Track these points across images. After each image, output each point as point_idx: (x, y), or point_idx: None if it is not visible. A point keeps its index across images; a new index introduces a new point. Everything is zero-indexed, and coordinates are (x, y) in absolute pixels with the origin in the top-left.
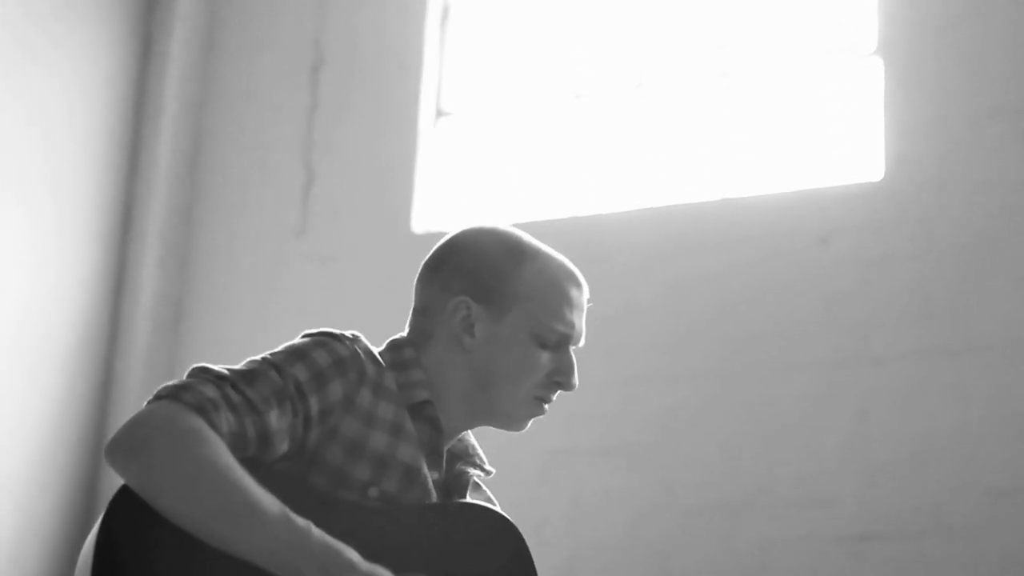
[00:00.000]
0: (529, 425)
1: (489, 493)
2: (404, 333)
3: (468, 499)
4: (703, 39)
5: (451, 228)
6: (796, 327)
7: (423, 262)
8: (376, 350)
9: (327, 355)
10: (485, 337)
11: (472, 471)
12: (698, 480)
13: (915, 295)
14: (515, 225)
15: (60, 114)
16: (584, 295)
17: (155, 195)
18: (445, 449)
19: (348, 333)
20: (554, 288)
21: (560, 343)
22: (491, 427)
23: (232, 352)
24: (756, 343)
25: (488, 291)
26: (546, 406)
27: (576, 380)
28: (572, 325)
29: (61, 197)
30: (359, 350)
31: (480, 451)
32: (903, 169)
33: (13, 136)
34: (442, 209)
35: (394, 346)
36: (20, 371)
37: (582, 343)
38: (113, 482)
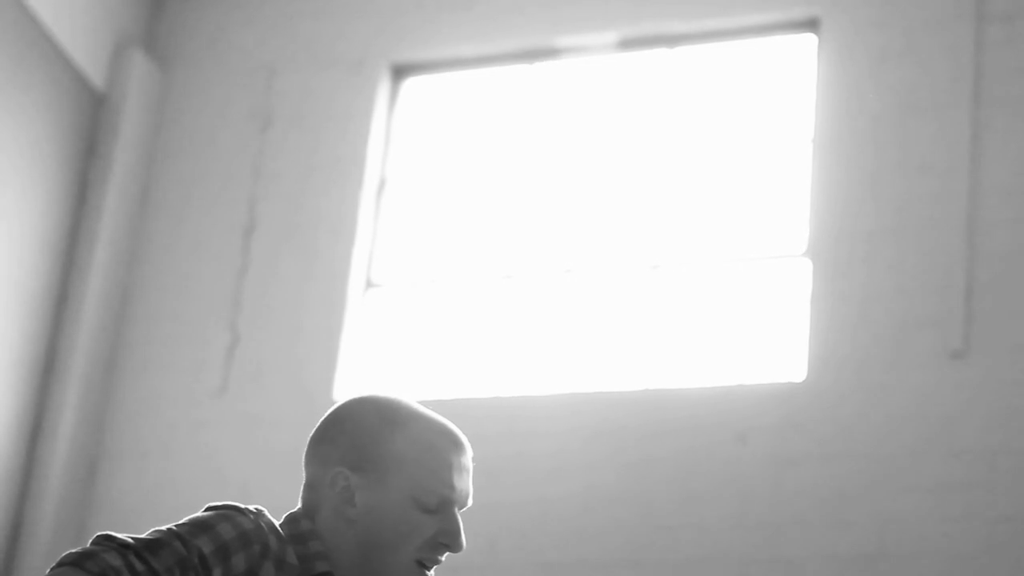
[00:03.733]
0: None
1: None
2: (299, 506)
3: None
4: (636, 230)
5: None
6: (710, 521)
7: (310, 436)
8: (276, 523)
9: (231, 528)
10: (366, 506)
11: None
12: None
13: (830, 498)
14: (435, 402)
15: None
16: (466, 455)
17: (79, 345)
18: None
19: (252, 507)
20: (431, 451)
21: (442, 506)
22: None
23: (144, 508)
24: (671, 534)
25: (364, 460)
26: (430, 570)
27: (463, 541)
28: (452, 487)
29: None
30: (263, 524)
31: None
32: (825, 371)
33: None
34: (365, 378)
35: (291, 519)
36: None
37: (469, 503)
38: None
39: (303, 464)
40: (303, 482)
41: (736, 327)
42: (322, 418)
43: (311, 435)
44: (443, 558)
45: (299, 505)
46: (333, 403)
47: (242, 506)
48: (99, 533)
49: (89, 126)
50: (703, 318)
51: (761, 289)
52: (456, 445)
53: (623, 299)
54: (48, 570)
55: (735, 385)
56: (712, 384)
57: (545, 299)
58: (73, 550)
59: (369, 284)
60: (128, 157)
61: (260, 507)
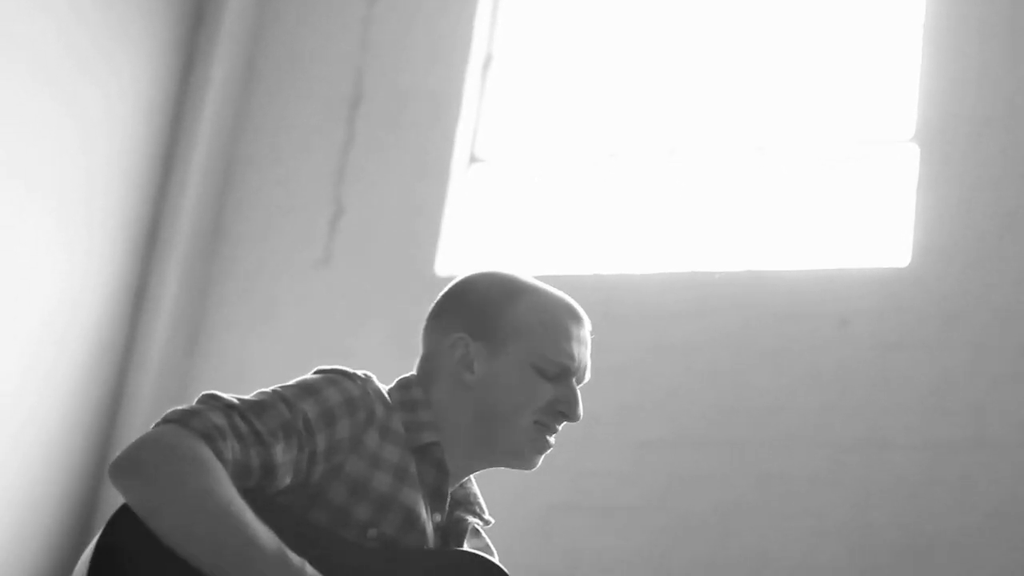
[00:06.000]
0: (539, 462)
1: (488, 541)
2: (413, 373)
3: (465, 546)
4: (742, 112)
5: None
6: (808, 404)
7: (429, 311)
8: (385, 389)
9: (338, 393)
10: (485, 373)
11: (471, 519)
12: (695, 548)
13: (930, 385)
14: (537, 278)
15: (100, 125)
16: (584, 328)
17: (184, 214)
18: (449, 492)
19: (360, 373)
20: (551, 320)
21: (561, 375)
22: (495, 471)
23: (246, 377)
24: (766, 416)
25: (485, 328)
26: (551, 438)
27: (581, 410)
28: (572, 356)
29: (94, 207)
30: (369, 390)
31: (481, 500)
32: (929, 257)
33: (55, 142)
34: (467, 254)
35: (403, 385)
36: (37, 376)
37: (587, 378)
38: (113, 498)
39: (421, 337)
40: (420, 355)
41: (841, 211)
42: (441, 293)
43: (431, 309)
44: (560, 428)
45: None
46: (434, 277)
47: (350, 371)
48: (205, 392)
49: None
50: (807, 201)
51: (867, 174)
52: (576, 317)
53: (727, 181)
54: (152, 425)
55: (838, 269)
56: (815, 267)
57: (649, 179)
58: (178, 407)
59: (473, 159)
60: (235, 27)
61: (368, 373)
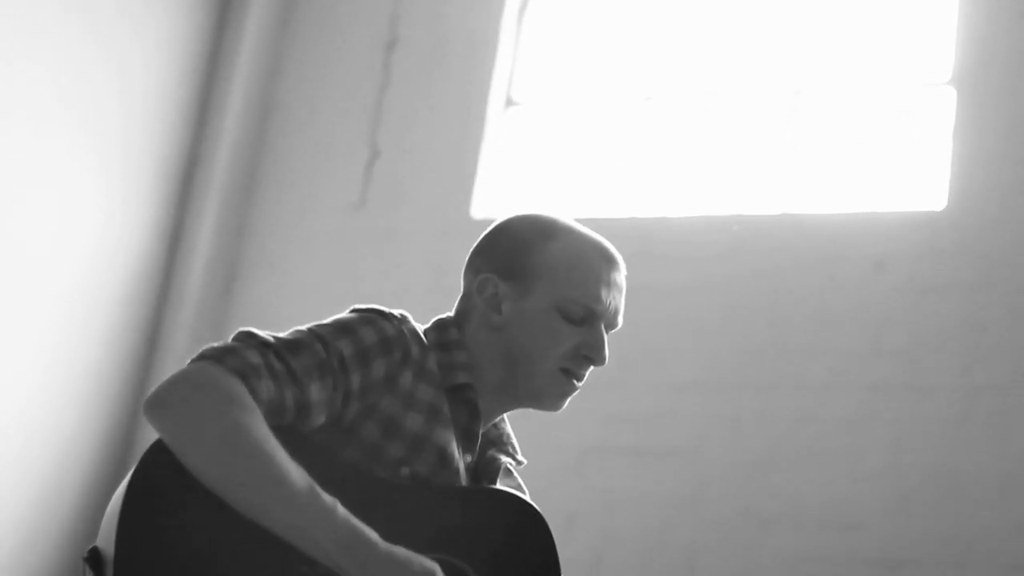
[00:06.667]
0: (566, 404)
1: (520, 481)
2: (452, 313)
3: (498, 485)
4: (779, 55)
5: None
6: (843, 348)
7: (470, 250)
8: (422, 329)
9: (374, 333)
10: (512, 313)
11: (504, 458)
12: (730, 490)
13: (966, 328)
14: (573, 220)
15: (139, 68)
16: (618, 272)
17: (220, 157)
18: (481, 432)
19: (396, 312)
20: (581, 262)
21: (588, 318)
22: (530, 411)
23: (281, 318)
24: (802, 360)
25: (513, 268)
26: (577, 382)
27: (606, 355)
28: (599, 300)
29: (131, 147)
30: (405, 330)
31: (514, 440)
32: (966, 201)
33: (95, 84)
34: (503, 197)
35: (440, 326)
36: (78, 315)
37: (619, 323)
38: (149, 435)
39: (461, 276)
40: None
41: (877, 155)
42: (482, 235)
43: (472, 249)
44: (587, 373)
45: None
46: (470, 220)
47: (386, 310)
48: (241, 329)
49: None
50: (844, 144)
51: (904, 117)
52: (608, 260)
53: (764, 123)
54: (188, 361)
55: (874, 212)
56: (851, 210)
57: (685, 121)
58: (214, 344)
59: (509, 102)
60: None
61: (405, 312)
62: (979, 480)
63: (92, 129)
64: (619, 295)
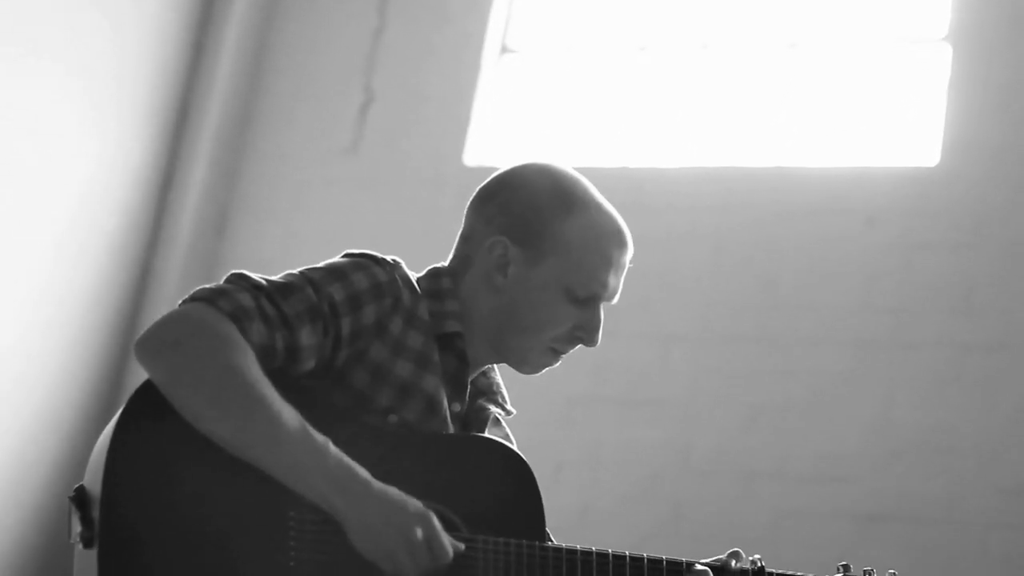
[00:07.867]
0: (542, 372)
1: (508, 431)
2: (446, 262)
3: (486, 434)
4: (775, 7)
5: (502, 164)
6: (833, 303)
7: (477, 189)
8: (415, 276)
9: (365, 278)
10: (516, 280)
11: (493, 408)
12: (718, 443)
13: (956, 285)
14: (591, 187)
15: (131, 9)
16: (627, 255)
17: (213, 99)
18: (469, 381)
19: (389, 258)
20: (596, 245)
21: (590, 300)
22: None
23: (273, 262)
24: (792, 314)
25: (528, 235)
26: (561, 357)
27: (599, 338)
28: (605, 285)
29: (123, 89)
30: (397, 277)
31: (504, 389)
32: (958, 157)
33: (85, 26)
34: (496, 144)
35: (433, 274)
36: (69, 254)
37: (615, 301)
38: (138, 375)
39: (464, 216)
40: (459, 232)
41: (871, 110)
42: (496, 174)
43: (479, 189)
44: (572, 350)
45: (449, 258)
46: (463, 167)
47: (379, 256)
48: (233, 271)
49: None
50: (838, 99)
51: (899, 73)
52: (621, 244)
53: (759, 76)
54: (179, 303)
55: (866, 167)
56: (843, 165)
57: (680, 73)
58: (206, 285)
59: (504, 49)
60: None
61: (397, 258)
62: (964, 439)
63: (84, 72)
64: (622, 276)
